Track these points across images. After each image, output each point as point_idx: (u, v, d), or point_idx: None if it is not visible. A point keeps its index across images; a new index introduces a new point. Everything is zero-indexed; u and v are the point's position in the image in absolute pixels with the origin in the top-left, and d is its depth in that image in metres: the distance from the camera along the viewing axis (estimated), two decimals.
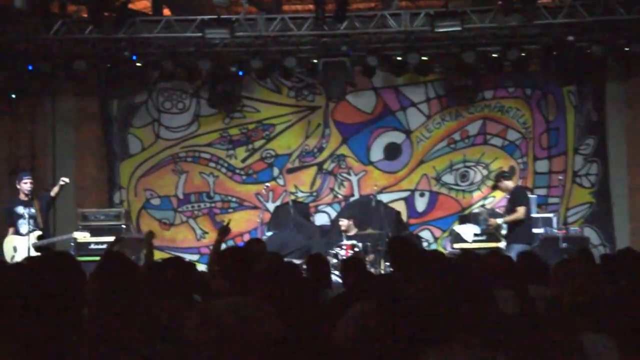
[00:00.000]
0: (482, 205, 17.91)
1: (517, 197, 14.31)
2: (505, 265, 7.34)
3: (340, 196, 18.53)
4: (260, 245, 8.76)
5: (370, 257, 15.39)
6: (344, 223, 16.33)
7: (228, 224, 9.52)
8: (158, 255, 17.40)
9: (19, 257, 13.64)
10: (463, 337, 4.27)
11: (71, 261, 5.13)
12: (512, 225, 14.18)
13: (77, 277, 4.87)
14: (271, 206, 18.18)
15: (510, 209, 14.24)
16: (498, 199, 17.88)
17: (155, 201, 18.61)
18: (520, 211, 14.03)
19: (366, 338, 4.55)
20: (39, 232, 14.14)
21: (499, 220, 14.53)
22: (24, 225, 14.13)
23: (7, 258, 13.90)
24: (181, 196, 18.61)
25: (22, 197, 14.22)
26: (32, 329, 4.44)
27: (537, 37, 16.62)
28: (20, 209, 14.19)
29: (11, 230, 14.24)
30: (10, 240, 14.22)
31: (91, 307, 4.56)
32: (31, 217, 14.14)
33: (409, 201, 18.44)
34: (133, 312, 4.43)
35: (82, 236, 14.87)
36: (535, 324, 4.73)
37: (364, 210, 17.22)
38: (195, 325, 3.46)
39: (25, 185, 14.26)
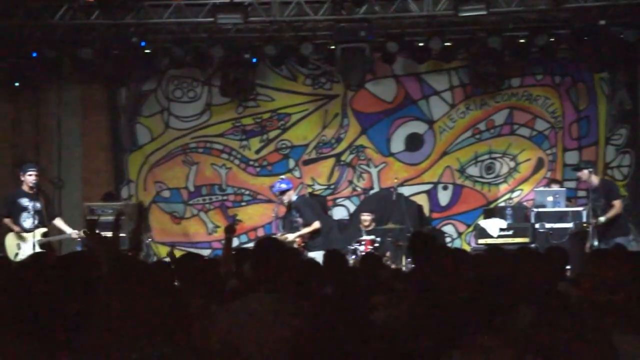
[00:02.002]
0: (511, 201, 17.44)
1: (611, 191, 14.77)
2: (535, 262, 7.34)
3: (359, 189, 18.20)
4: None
5: (388, 254, 14.95)
6: (366, 218, 15.92)
7: (235, 221, 9.01)
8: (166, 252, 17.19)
9: (23, 254, 13.41)
10: (488, 337, 4.29)
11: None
12: (610, 220, 14.56)
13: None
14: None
15: (606, 204, 14.52)
16: (525, 192, 17.61)
17: (165, 193, 18.35)
18: (618, 205, 14.55)
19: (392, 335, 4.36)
20: (44, 229, 13.99)
21: (602, 219, 14.52)
22: (28, 220, 14.00)
23: (10, 255, 13.74)
24: (192, 189, 18.33)
25: (27, 189, 13.97)
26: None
27: (567, 21, 16.32)
28: (25, 201, 14.07)
29: (7, 220, 13.96)
30: (14, 237, 13.92)
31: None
32: (36, 211, 13.98)
33: (432, 194, 18.09)
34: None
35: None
36: (565, 324, 4.39)
37: (384, 204, 16.85)
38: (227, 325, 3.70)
39: (30, 177, 14.18)
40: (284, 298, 5.49)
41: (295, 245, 14.78)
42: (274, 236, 14.40)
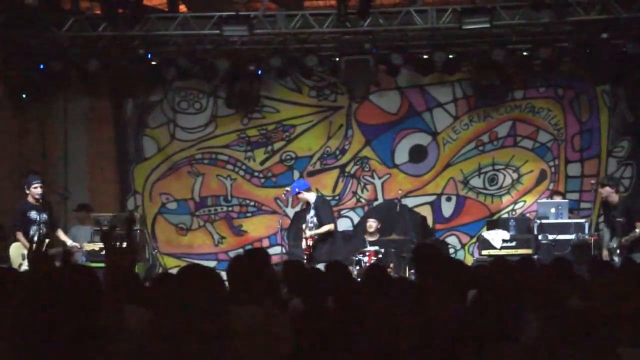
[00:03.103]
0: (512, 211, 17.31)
1: (634, 212, 14.30)
2: (537, 274, 7.56)
3: (363, 200, 18.17)
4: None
5: (392, 265, 15.00)
6: (372, 224, 15.99)
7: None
8: (173, 263, 17.26)
9: (27, 265, 13.31)
10: (495, 349, 4.31)
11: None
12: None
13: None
14: (290, 211, 17.72)
15: (626, 223, 14.17)
16: (528, 204, 17.62)
17: (172, 205, 18.31)
18: None
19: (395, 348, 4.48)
20: (48, 241, 13.90)
21: (625, 239, 14.20)
22: (37, 233, 13.96)
23: (15, 265, 13.71)
24: (198, 200, 18.29)
25: (33, 201, 14.01)
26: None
27: (570, 34, 16.32)
28: (33, 214, 14.07)
29: (19, 234, 13.90)
30: (19, 247, 13.92)
31: None
32: (43, 223, 14.02)
33: (435, 206, 18.06)
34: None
35: (91, 247, 14.76)
36: (571, 336, 4.62)
37: (388, 215, 16.80)
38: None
39: (36, 190, 14.16)
40: (274, 311, 5.52)
41: (304, 245, 14.78)
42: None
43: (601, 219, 17.08)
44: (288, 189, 16.53)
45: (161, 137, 18.28)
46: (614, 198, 14.59)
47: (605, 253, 14.46)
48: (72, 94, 17.78)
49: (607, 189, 14.59)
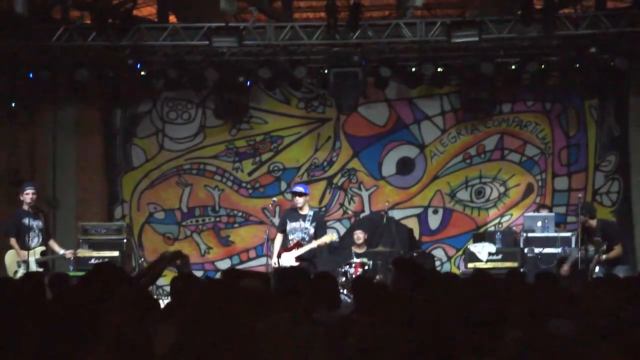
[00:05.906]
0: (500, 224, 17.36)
1: (611, 236, 14.81)
2: (522, 287, 7.53)
3: (350, 212, 18.21)
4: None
5: (378, 277, 14.87)
6: (360, 235, 15.81)
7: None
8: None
9: (23, 272, 13.41)
10: None
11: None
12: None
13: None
14: (278, 222, 17.62)
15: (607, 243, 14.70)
16: (515, 217, 17.66)
17: (160, 215, 18.30)
18: (619, 249, 14.72)
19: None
20: (43, 248, 14.13)
21: (604, 257, 14.67)
22: (34, 239, 14.11)
23: (10, 273, 13.79)
24: (185, 210, 18.29)
25: (26, 208, 14.17)
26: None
27: (558, 48, 16.35)
28: (27, 221, 14.10)
29: (12, 241, 13.96)
30: (14, 255, 13.93)
31: None
32: (39, 229, 14.16)
33: (422, 218, 18.10)
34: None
35: (84, 253, 14.92)
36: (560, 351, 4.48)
37: (374, 227, 16.82)
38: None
39: (27, 196, 14.29)
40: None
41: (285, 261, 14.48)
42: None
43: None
44: (275, 199, 16.47)
45: (149, 147, 18.27)
46: (591, 223, 14.91)
47: (591, 267, 14.56)
48: (61, 103, 17.68)
49: (582, 217, 14.93)
